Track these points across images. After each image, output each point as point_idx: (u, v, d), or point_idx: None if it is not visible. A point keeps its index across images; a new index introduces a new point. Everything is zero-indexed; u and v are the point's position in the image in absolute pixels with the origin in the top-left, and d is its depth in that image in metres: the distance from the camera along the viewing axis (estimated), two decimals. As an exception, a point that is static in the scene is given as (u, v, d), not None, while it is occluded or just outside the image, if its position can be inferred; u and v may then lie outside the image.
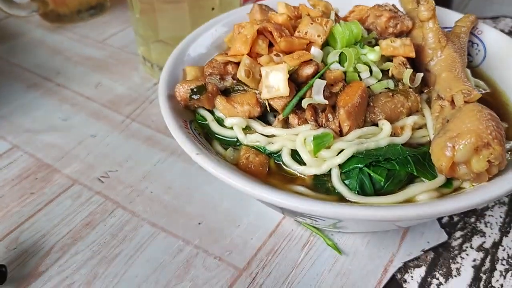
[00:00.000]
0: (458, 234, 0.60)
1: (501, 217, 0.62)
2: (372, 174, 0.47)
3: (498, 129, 0.44)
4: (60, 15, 1.05)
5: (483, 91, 0.62)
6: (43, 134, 0.75)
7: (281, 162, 0.51)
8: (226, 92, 0.56)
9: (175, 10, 0.78)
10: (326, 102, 0.51)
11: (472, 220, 0.61)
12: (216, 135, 0.55)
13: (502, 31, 0.96)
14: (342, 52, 0.54)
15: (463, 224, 0.61)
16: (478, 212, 0.62)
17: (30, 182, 0.67)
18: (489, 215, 0.62)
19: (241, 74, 0.52)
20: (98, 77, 0.89)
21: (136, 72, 0.90)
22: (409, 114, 0.54)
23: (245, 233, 0.59)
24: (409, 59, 0.57)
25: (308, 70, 0.52)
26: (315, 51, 0.54)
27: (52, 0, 1.02)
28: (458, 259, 0.57)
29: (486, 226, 0.61)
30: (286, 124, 0.53)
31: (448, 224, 0.61)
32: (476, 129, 0.44)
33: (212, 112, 0.56)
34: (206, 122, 0.55)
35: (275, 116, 0.54)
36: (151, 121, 0.78)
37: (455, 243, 0.59)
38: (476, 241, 0.59)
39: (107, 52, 0.96)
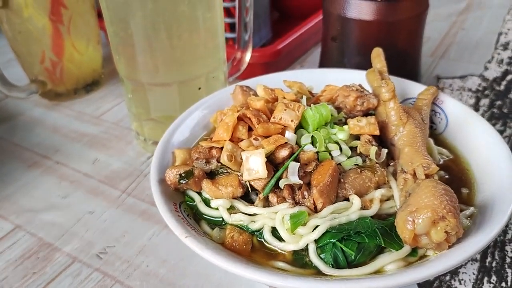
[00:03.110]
0: (432, 292, 0.64)
1: (473, 273, 0.66)
2: (344, 248, 0.52)
3: (452, 202, 0.50)
4: (58, 93, 1.11)
5: (446, 158, 0.68)
6: (44, 213, 0.80)
7: (263, 240, 0.56)
8: (211, 174, 0.62)
9: (164, 91, 0.85)
10: (301, 182, 0.56)
11: (447, 278, 0.66)
12: (204, 216, 0.60)
13: (470, 89, 1.04)
14: (313, 135, 0.61)
15: (439, 283, 0.65)
16: (453, 270, 0.67)
17: (32, 261, 0.71)
18: (462, 272, 0.67)
19: (224, 158, 0.58)
20: (95, 153, 0.94)
21: (131, 146, 0.96)
22: (377, 187, 0.60)
23: (236, 302, 0.63)
24: (375, 136, 0.63)
25: (283, 153, 0.58)
26: (289, 135, 0.60)
27: (50, 80, 1.09)
28: (434, 318, 0.61)
29: (461, 284, 0.65)
30: (267, 202, 0.59)
31: (425, 283, 0.65)
32: (431, 204, 0.49)
33: (199, 194, 0.61)
34: (195, 203, 0.61)
35: (256, 195, 0.60)
36: (146, 195, 0.83)
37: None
38: (451, 299, 0.63)
39: (102, 128, 1.02)
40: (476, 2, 1.51)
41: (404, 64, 0.94)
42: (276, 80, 0.81)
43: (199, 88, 0.86)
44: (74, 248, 0.73)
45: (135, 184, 0.86)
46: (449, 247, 0.51)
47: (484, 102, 1.01)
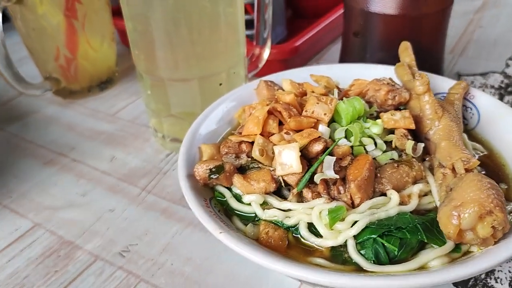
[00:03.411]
0: (468, 291, 0.62)
1: (510, 272, 0.64)
2: (386, 244, 0.50)
3: (499, 196, 0.48)
4: (72, 91, 1.10)
5: (481, 154, 0.66)
6: (63, 211, 0.78)
7: (299, 235, 0.54)
8: (241, 169, 0.60)
9: (185, 87, 0.83)
10: (337, 176, 0.55)
11: (483, 276, 0.64)
12: (235, 211, 0.58)
13: (492, 86, 1.02)
14: (347, 128, 0.59)
15: (475, 281, 0.63)
16: (487, 268, 0.65)
17: (53, 260, 0.70)
18: (498, 271, 0.65)
19: (255, 153, 0.57)
20: (112, 151, 0.93)
21: (148, 144, 0.94)
22: (414, 182, 0.58)
23: (266, 300, 0.61)
24: (409, 130, 0.61)
25: (317, 147, 0.56)
26: (323, 128, 0.58)
27: (64, 78, 1.07)
28: (472, 317, 0.59)
29: (497, 282, 0.63)
30: (300, 197, 0.57)
31: (461, 282, 0.63)
32: (478, 199, 0.47)
33: (229, 189, 0.60)
34: (225, 199, 0.59)
35: (289, 190, 0.58)
36: (166, 193, 0.81)
37: (466, 301, 0.61)
38: (488, 298, 0.61)
39: (118, 126, 1.00)
40: (492, 0, 1.49)
41: (428, 60, 0.92)
42: (299, 75, 0.79)
43: (220, 84, 0.85)
44: (95, 246, 0.72)
45: (155, 181, 0.84)
46: (495, 242, 0.49)
47: (509, 99, 0.99)
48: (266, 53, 0.98)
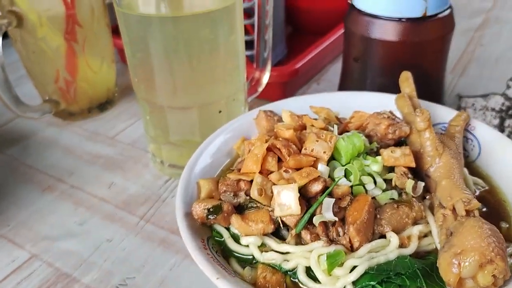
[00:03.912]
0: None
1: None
2: (384, 292, 0.50)
3: (499, 244, 0.48)
4: (71, 113, 1.09)
5: (482, 189, 0.66)
6: (61, 241, 0.78)
7: (297, 280, 0.54)
8: (240, 208, 0.60)
9: (184, 114, 0.83)
10: (336, 219, 0.54)
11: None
12: (233, 252, 0.57)
13: (493, 109, 1.01)
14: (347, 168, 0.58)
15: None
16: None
17: (50, 293, 0.69)
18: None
19: (254, 193, 0.56)
20: (111, 176, 0.92)
21: (147, 169, 0.94)
22: (414, 223, 0.57)
23: None
24: (409, 167, 0.61)
25: (316, 187, 0.55)
26: (322, 167, 0.58)
27: (64, 100, 1.07)
28: None
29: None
30: (299, 238, 0.56)
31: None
32: (479, 247, 0.47)
33: (228, 228, 0.59)
34: (223, 239, 0.58)
35: (288, 230, 0.57)
36: (165, 222, 0.80)
37: None
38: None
39: (117, 149, 1.00)
40: (493, 17, 1.49)
41: (429, 85, 0.91)
42: (299, 103, 0.79)
43: (220, 111, 0.84)
44: (93, 279, 0.71)
45: (153, 210, 0.83)
46: (496, 290, 0.49)
47: (509, 122, 0.98)
48: (266, 77, 0.98)
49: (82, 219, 0.82)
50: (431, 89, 0.93)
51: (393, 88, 0.79)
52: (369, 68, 0.91)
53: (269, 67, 0.97)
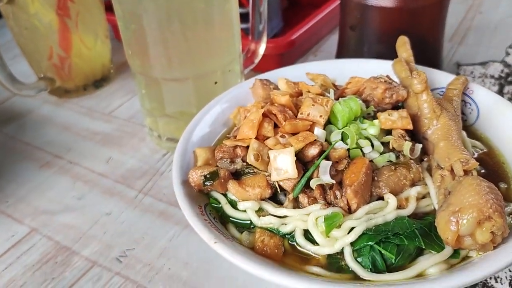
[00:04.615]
0: (469, 292, 0.61)
1: (510, 270, 0.64)
2: (383, 252, 0.49)
3: (498, 201, 0.47)
4: (67, 90, 1.09)
5: (480, 151, 0.65)
6: (60, 215, 0.78)
7: (295, 243, 0.54)
8: (236, 174, 0.59)
9: (179, 86, 0.82)
10: (333, 181, 0.54)
11: (482, 275, 0.63)
12: (230, 218, 0.57)
13: (492, 76, 1.01)
14: (344, 131, 0.58)
15: (474, 280, 0.63)
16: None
17: (50, 266, 0.69)
18: (498, 269, 0.64)
19: (250, 158, 0.56)
20: (108, 151, 0.91)
21: (144, 143, 0.93)
22: (412, 184, 0.57)
23: (264, 306, 0.61)
24: (407, 130, 0.60)
25: (313, 151, 0.55)
26: (319, 131, 0.57)
27: (58, 77, 1.06)
28: (473, 319, 0.58)
29: (497, 282, 0.62)
30: (296, 202, 0.56)
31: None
32: (477, 204, 0.46)
33: (225, 195, 0.59)
34: (220, 205, 0.58)
35: (285, 195, 0.57)
36: (163, 194, 0.80)
37: (468, 302, 0.60)
38: (488, 298, 0.61)
39: (114, 125, 0.99)
40: (492, -15, 1.46)
41: (426, 51, 0.90)
42: (295, 72, 0.77)
43: (215, 82, 0.83)
44: (93, 251, 0.71)
45: (152, 183, 0.83)
46: (494, 247, 0.48)
47: (509, 89, 0.97)
48: (262, 48, 0.97)
49: (81, 193, 0.82)
50: (428, 56, 0.92)
51: (390, 55, 0.78)
52: (365, 36, 0.89)
53: (264, 38, 0.96)
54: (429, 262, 0.49)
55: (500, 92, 0.97)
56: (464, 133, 0.65)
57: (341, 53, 0.96)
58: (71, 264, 0.69)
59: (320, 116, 0.58)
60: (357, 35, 0.90)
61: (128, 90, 1.11)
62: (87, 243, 0.72)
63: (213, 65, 0.82)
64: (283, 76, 0.73)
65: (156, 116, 0.87)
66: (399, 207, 0.54)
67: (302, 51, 1.16)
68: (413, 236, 0.50)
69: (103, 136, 0.96)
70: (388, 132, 0.61)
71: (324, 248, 0.51)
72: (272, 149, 0.56)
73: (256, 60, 0.97)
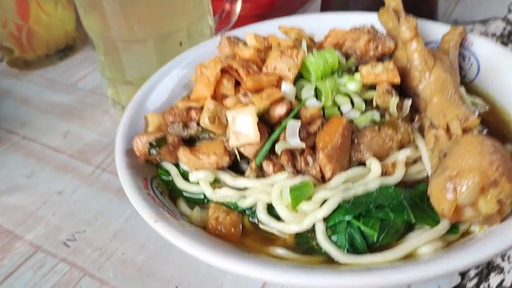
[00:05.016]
0: (472, 272, 0.52)
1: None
2: (363, 228, 0.40)
3: (505, 162, 0.38)
4: (27, 61, 0.99)
5: (481, 110, 0.56)
6: (6, 196, 0.69)
7: (256, 220, 0.44)
8: (192, 141, 0.50)
9: (140, 49, 0.73)
10: (303, 145, 0.44)
11: (487, 255, 0.54)
12: (182, 192, 0.48)
13: (494, 34, 0.91)
14: (317, 86, 0.48)
15: (476, 260, 0.54)
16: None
17: (-12, 253, 0.60)
18: (504, 248, 0.55)
19: (204, 120, 0.46)
20: (67, 125, 0.83)
21: (108, 116, 0.84)
22: (400, 148, 0.47)
23: (231, 293, 0.52)
24: (394, 85, 0.51)
25: (280, 110, 0.45)
26: (287, 87, 0.47)
27: (17, 46, 0.97)
28: (476, 304, 0.49)
29: (504, 260, 0.53)
30: (261, 172, 0.46)
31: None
32: (479, 166, 0.37)
33: (177, 166, 0.49)
34: (171, 178, 0.49)
35: (248, 164, 0.48)
36: (123, 170, 0.71)
37: (470, 284, 0.51)
38: (494, 279, 0.52)
39: (77, 96, 0.90)
40: None
41: (420, 6, 0.80)
42: (270, 28, 0.67)
43: (180, 44, 0.74)
44: (38, 235, 0.62)
45: (111, 158, 0.73)
46: (501, 220, 0.39)
47: (512, 47, 0.88)
48: (238, 7, 0.87)
49: (32, 171, 0.73)
50: (423, 10, 0.81)
51: (378, 9, 0.68)
52: (351, -11, 0.79)
53: (240, -3, 0.86)
54: (421, 240, 0.40)
55: (503, 52, 0.87)
56: (462, 88, 0.55)
57: (325, 9, 0.86)
58: (12, 250, 0.61)
59: (289, 70, 0.48)
60: (342, -12, 0.80)
61: (95, 59, 1.00)
62: (33, 226, 0.64)
63: (177, 24, 0.73)
64: (254, 32, 0.63)
65: (117, 84, 0.78)
66: (384, 174, 0.45)
67: (285, 13, 1.06)
68: (400, 209, 0.41)
69: (63, 108, 0.88)
70: (372, 88, 0.51)
71: (290, 225, 0.42)
72: (230, 110, 0.46)
73: (233, 20, 0.87)
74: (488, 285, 0.51)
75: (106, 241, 0.60)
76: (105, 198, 0.67)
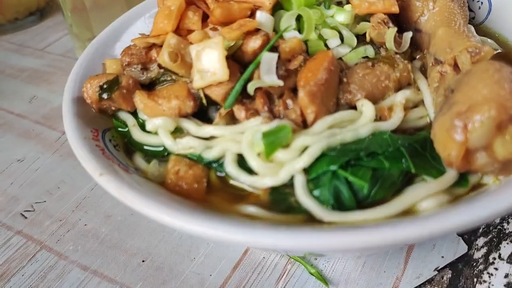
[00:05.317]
0: (480, 241, 0.45)
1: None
2: (351, 179, 0.32)
3: (528, 93, 0.30)
4: (-5, 25, 0.92)
5: (494, 52, 0.48)
6: (-41, 165, 0.62)
7: (224, 174, 0.37)
8: (152, 85, 0.42)
9: (108, 3, 0.65)
10: (281, 83, 0.36)
11: (497, 220, 0.47)
12: (139, 145, 0.40)
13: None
14: (299, 15, 0.40)
15: (486, 227, 0.47)
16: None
17: None
18: (517, 212, 0.48)
19: (164, 57, 0.38)
20: (34, 90, 0.76)
21: (79, 80, 0.76)
22: (398, 89, 0.40)
23: (202, 267, 0.46)
24: (391, 16, 0.43)
25: (254, 44, 0.38)
26: (263, 16, 0.40)
27: (-16, 10, 0.89)
28: (485, 277, 0.43)
29: (506, 222, 0.47)
30: (232, 119, 0.39)
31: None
32: (496, 97, 0.29)
33: (136, 115, 0.42)
34: (127, 129, 0.41)
35: (218, 110, 0.40)
36: (92, 135, 0.64)
37: (478, 255, 0.45)
38: (506, 248, 0.45)
39: (46, 61, 0.84)
40: None
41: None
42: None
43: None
44: (-8, 206, 0.55)
45: (80, 122, 0.66)
46: (521, 168, 0.32)
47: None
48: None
49: (-9, 138, 0.66)
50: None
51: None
52: None
53: None
54: (422, 193, 0.32)
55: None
56: (471, 27, 0.47)
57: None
58: (-39, 223, 0.54)
59: (266, -3, 0.40)
60: None
61: (67, 23, 0.93)
62: (-14, 198, 0.57)
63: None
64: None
65: (85, 42, 0.71)
66: (379, 119, 0.37)
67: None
68: (397, 156, 0.33)
69: (31, 73, 0.81)
70: (366, 21, 0.43)
71: (264, 178, 0.34)
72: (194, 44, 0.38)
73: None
74: (499, 255, 0.44)
75: (67, 212, 0.54)
76: (69, 165, 0.61)
